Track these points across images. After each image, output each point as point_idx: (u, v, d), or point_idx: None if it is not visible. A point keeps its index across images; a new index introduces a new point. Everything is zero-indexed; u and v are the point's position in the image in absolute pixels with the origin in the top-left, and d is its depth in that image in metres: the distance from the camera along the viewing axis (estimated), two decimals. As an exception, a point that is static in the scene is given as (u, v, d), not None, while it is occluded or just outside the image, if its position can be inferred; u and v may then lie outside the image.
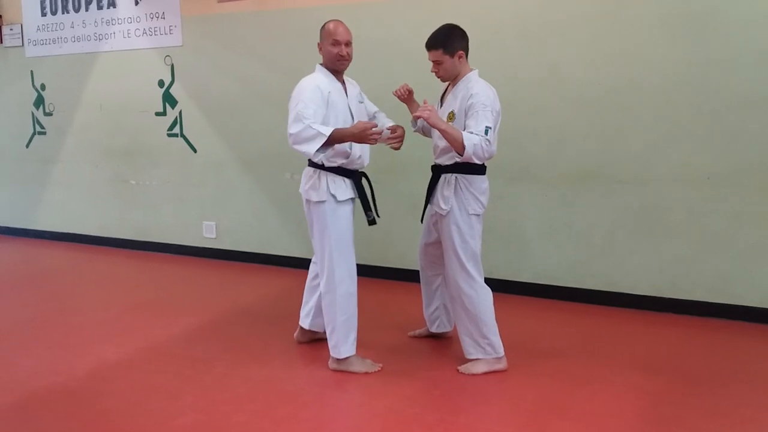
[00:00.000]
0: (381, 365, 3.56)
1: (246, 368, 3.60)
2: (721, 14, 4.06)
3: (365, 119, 3.60)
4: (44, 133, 6.93)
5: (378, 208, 3.70)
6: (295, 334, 3.96)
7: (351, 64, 3.55)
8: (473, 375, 3.46)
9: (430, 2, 4.79)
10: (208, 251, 6.13)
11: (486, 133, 3.23)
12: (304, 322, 3.89)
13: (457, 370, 3.50)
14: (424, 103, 3.29)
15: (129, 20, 6.19)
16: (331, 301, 3.49)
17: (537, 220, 4.71)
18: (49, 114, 6.85)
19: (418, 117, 3.26)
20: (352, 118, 3.50)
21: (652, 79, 4.26)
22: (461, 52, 3.42)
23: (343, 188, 3.49)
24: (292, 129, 3.30)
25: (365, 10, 4.96)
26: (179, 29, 5.94)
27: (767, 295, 4.15)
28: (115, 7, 6.26)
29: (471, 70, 3.47)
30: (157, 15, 6.03)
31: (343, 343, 3.49)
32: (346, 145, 3.41)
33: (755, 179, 4.08)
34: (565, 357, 3.69)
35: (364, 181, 3.63)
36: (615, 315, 4.39)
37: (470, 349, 3.50)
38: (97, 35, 6.40)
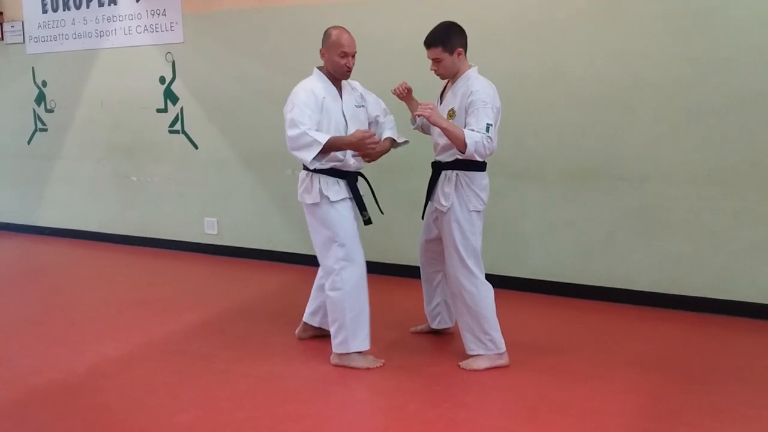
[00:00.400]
0: (383, 361, 3.56)
1: (247, 365, 3.60)
2: (721, 12, 4.06)
3: (362, 124, 3.59)
4: (45, 130, 6.93)
5: (380, 205, 3.70)
6: (296, 331, 3.96)
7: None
8: (474, 371, 3.46)
9: (429, 0, 4.80)
10: (210, 248, 6.13)
11: (487, 130, 3.23)
12: (312, 320, 3.89)
13: (459, 366, 3.51)
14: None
15: (130, 17, 6.19)
16: (338, 299, 3.47)
17: (537, 216, 4.71)
18: (51, 111, 6.85)
19: (419, 115, 3.26)
20: (346, 123, 3.49)
21: (652, 77, 4.26)
22: (460, 49, 3.41)
23: (336, 189, 3.48)
24: (290, 133, 3.32)
25: (365, 8, 4.95)
26: (180, 26, 5.93)
27: (767, 292, 4.15)
28: (116, 4, 6.25)
29: (470, 67, 3.47)
30: (158, 12, 6.02)
31: (352, 339, 3.48)
32: (339, 152, 3.42)
33: (755, 177, 4.08)
34: (565, 353, 3.70)
35: (361, 181, 3.62)
36: (615, 311, 4.39)
37: (471, 345, 3.51)
38: (98, 32, 6.40)
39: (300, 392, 3.28)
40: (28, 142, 7.07)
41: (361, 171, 3.63)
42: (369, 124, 3.66)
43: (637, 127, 4.33)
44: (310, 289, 3.91)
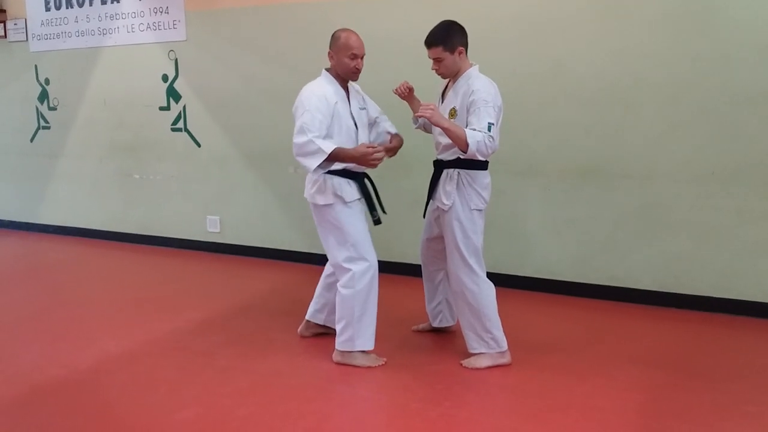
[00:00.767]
0: (385, 359, 3.56)
1: (249, 362, 3.61)
2: (723, 11, 4.04)
3: (367, 127, 3.62)
4: (48, 128, 6.94)
5: (383, 206, 3.71)
6: (299, 329, 3.96)
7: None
8: (476, 369, 3.46)
9: (433, -3, 4.79)
10: (212, 245, 6.14)
11: (488, 129, 3.22)
12: (317, 318, 3.88)
13: (461, 365, 3.51)
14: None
15: (133, 15, 6.19)
16: (350, 296, 3.46)
17: (540, 215, 4.70)
18: (54, 108, 6.86)
19: (420, 116, 3.25)
20: (356, 126, 3.51)
21: (654, 76, 4.25)
22: (461, 48, 3.41)
23: (349, 190, 3.49)
24: (297, 139, 3.31)
25: (366, 7, 4.94)
26: (183, 24, 5.93)
27: (771, 291, 4.15)
28: (118, 2, 6.25)
29: (471, 65, 3.46)
30: (160, 10, 6.03)
31: (358, 338, 3.48)
32: None
33: (759, 175, 4.07)
34: (567, 351, 3.69)
35: (366, 181, 3.63)
36: (617, 310, 4.39)
37: (473, 344, 3.50)
38: (101, 30, 6.41)
39: (302, 390, 3.28)
40: (31, 140, 7.08)
41: (365, 171, 3.64)
42: (369, 125, 3.67)
43: (639, 125, 4.33)
44: (313, 287, 3.91)
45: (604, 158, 4.45)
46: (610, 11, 4.31)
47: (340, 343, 3.53)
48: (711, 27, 4.09)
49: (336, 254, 3.51)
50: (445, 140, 3.38)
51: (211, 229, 6.13)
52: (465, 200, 3.41)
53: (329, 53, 3.50)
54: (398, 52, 4.87)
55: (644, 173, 4.35)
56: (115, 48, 6.35)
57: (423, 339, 3.94)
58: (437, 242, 3.70)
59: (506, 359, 3.50)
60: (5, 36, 6.98)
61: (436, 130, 3.46)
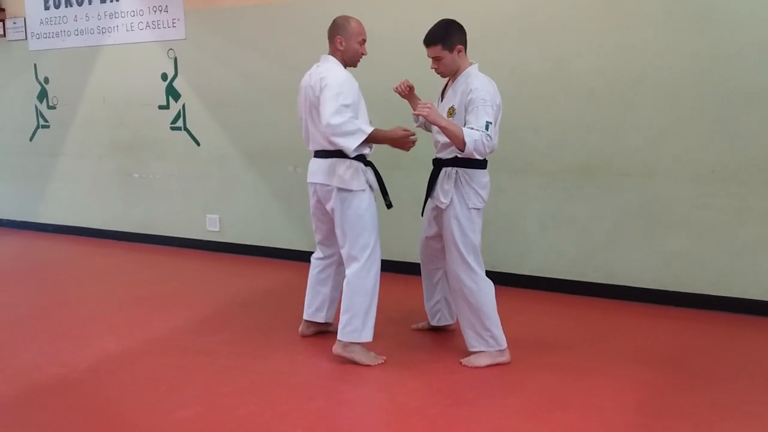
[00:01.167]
0: (384, 358, 3.56)
1: (249, 361, 3.61)
2: (724, 8, 4.04)
3: None
4: (48, 127, 6.94)
5: (388, 201, 3.72)
6: (300, 328, 3.95)
7: (353, 59, 3.63)
8: (476, 367, 3.46)
9: (433, -5, 4.78)
10: (212, 244, 6.14)
11: (486, 128, 3.22)
12: (317, 316, 3.86)
13: (460, 363, 3.51)
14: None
15: (132, 13, 6.18)
16: (360, 286, 3.47)
17: (539, 213, 4.70)
18: (53, 107, 6.86)
19: (418, 115, 3.25)
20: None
21: (655, 73, 4.24)
22: (460, 46, 3.40)
23: (371, 177, 3.55)
24: (335, 119, 3.28)
25: (367, 5, 4.93)
26: (182, 22, 5.93)
27: (770, 289, 4.15)
28: (118, 0, 6.25)
29: (471, 64, 3.46)
30: (160, 8, 6.02)
31: (363, 328, 3.49)
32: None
33: (759, 173, 4.07)
34: (567, 350, 3.69)
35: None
36: (617, 308, 4.39)
37: (473, 342, 3.50)
38: (100, 28, 6.40)
39: (302, 389, 3.28)
40: (30, 139, 7.08)
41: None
42: None
43: (640, 123, 4.32)
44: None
45: (604, 156, 4.45)
46: (611, 9, 4.31)
47: (345, 333, 3.49)
48: (711, 25, 4.08)
49: (354, 242, 3.50)
50: (444, 139, 3.38)
51: (211, 228, 6.13)
52: (463, 199, 3.41)
53: (338, 39, 3.50)
54: (398, 50, 4.87)
55: (644, 171, 4.35)
56: (115, 47, 6.35)
57: (422, 337, 3.94)
58: (436, 240, 3.70)
59: (506, 358, 3.50)
60: (4, 35, 6.98)
61: (435, 128, 3.46)
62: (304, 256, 5.54)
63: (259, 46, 5.61)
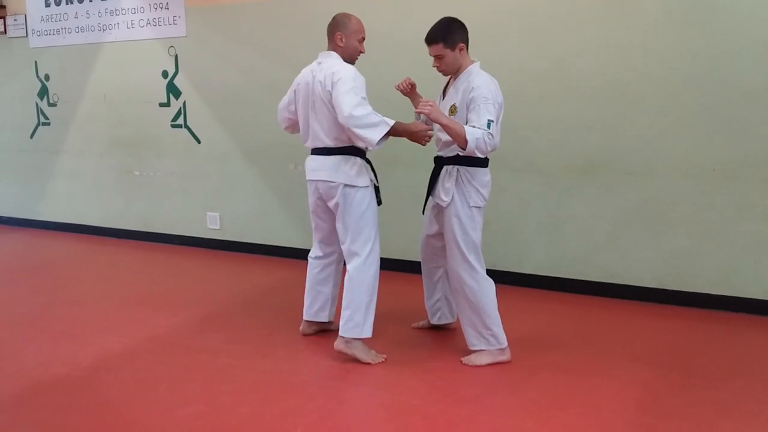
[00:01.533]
0: (385, 356, 3.56)
1: (250, 359, 3.61)
2: (725, 7, 4.03)
3: None
4: (48, 124, 6.94)
5: (380, 198, 3.72)
6: (301, 328, 3.94)
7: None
8: (477, 366, 3.46)
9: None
10: (212, 242, 6.14)
11: (488, 126, 3.22)
12: (320, 316, 3.86)
13: (461, 362, 3.51)
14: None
15: (133, 11, 6.18)
16: (362, 281, 3.48)
17: (540, 211, 4.70)
18: (53, 105, 6.85)
19: (420, 113, 3.26)
20: None
21: (656, 72, 4.24)
22: (461, 44, 3.40)
23: (372, 174, 3.58)
24: (357, 111, 3.28)
25: (367, 2, 4.93)
26: (183, 20, 5.92)
27: (771, 288, 4.15)
28: (118, -3, 6.26)
29: (472, 62, 3.46)
30: (160, 5, 6.01)
31: (364, 324, 3.50)
32: None
33: (760, 172, 4.06)
34: (567, 349, 3.70)
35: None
36: (618, 307, 4.39)
37: (473, 341, 3.50)
38: (100, 26, 6.40)
39: (303, 387, 3.28)
40: (31, 136, 7.08)
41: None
42: None
43: (641, 121, 4.32)
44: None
45: (605, 155, 4.45)
46: (612, 8, 4.30)
47: (348, 329, 3.49)
48: (712, 23, 4.08)
49: (356, 238, 3.51)
50: (446, 137, 3.37)
51: (212, 226, 6.13)
52: (464, 197, 3.41)
53: (338, 36, 3.51)
54: (400, 48, 4.86)
55: (645, 170, 4.35)
56: (115, 44, 6.35)
57: (423, 336, 3.94)
58: (437, 239, 3.70)
59: (506, 356, 3.50)
60: (5, 32, 6.98)
61: (437, 126, 3.46)
62: (305, 254, 5.49)
63: (260, 43, 5.60)
